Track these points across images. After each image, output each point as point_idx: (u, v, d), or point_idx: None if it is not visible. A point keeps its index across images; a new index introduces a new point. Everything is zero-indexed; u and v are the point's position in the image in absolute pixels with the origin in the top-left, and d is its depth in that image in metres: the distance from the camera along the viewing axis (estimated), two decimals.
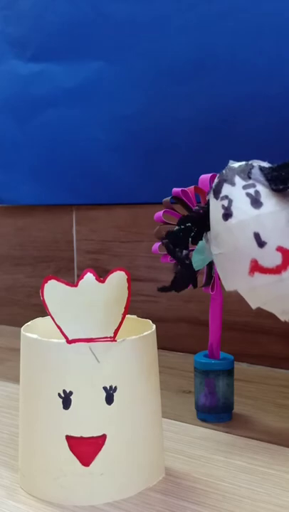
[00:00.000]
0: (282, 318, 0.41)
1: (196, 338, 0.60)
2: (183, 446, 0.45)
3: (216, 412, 0.50)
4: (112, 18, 0.72)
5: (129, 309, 0.37)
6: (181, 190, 0.48)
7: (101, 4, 0.73)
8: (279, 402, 0.54)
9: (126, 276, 0.37)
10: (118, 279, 0.37)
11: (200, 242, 0.44)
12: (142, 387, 0.38)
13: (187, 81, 0.67)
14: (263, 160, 0.41)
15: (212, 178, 0.47)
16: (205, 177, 0.48)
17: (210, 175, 0.47)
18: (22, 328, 0.40)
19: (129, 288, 0.37)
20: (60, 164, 0.80)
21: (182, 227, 0.42)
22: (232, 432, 0.48)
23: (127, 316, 0.37)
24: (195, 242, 0.43)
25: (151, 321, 0.41)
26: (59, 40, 0.77)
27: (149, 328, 0.40)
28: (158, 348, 0.41)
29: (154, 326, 0.40)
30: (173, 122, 0.69)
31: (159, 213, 0.49)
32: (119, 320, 0.37)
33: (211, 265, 0.49)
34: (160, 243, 0.47)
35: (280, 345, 0.65)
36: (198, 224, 0.42)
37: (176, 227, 0.43)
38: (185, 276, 0.42)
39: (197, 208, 0.43)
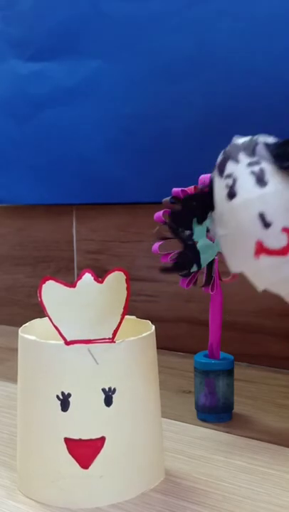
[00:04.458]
0: None
1: (196, 338, 0.60)
2: (183, 446, 0.45)
3: (216, 412, 0.50)
4: (111, 17, 0.72)
5: (128, 309, 0.37)
6: (181, 190, 0.48)
7: (99, 3, 0.73)
8: (279, 402, 0.54)
9: (125, 277, 0.37)
10: (117, 279, 0.37)
11: (200, 241, 0.44)
12: (141, 388, 0.38)
13: (186, 79, 0.67)
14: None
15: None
16: (205, 177, 0.48)
17: (210, 174, 0.47)
18: (20, 329, 0.39)
19: (128, 288, 0.37)
20: (60, 164, 0.80)
21: (186, 206, 0.41)
22: (232, 432, 0.48)
23: (126, 316, 0.37)
24: (200, 222, 0.41)
25: (150, 322, 0.41)
26: (58, 39, 0.77)
27: (149, 328, 0.40)
28: (158, 348, 0.41)
29: (153, 327, 0.40)
30: (172, 121, 0.69)
31: (159, 213, 0.49)
32: (118, 321, 0.37)
33: (211, 265, 0.49)
34: (160, 243, 0.47)
35: (280, 345, 0.65)
36: (202, 203, 0.40)
37: (180, 207, 0.41)
38: (188, 257, 0.41)
39: (201, 186, 0.42)
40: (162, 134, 0.70)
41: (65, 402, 0.36)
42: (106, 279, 0.37)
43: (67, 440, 0.36)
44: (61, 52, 0.77)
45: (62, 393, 0.36)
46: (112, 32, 0.72)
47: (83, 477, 0.36)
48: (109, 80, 0.73)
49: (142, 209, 0.74)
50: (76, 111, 0.77)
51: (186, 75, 0.67)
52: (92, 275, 0.37)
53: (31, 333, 0.38)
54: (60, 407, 0.36)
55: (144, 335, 0.38)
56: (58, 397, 0.36)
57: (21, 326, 0.40)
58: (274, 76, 0.61)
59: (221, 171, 0.38)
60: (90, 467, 0.36)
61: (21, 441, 0.39)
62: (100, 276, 0.38)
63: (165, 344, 0.68)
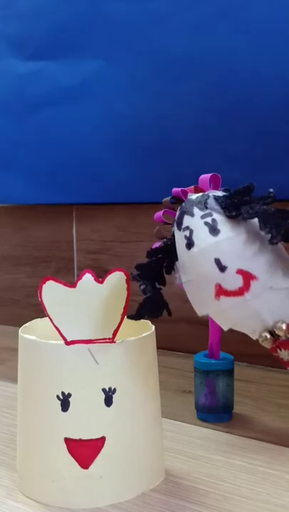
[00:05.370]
0: (254, 337, 0.42)
1: (196, 338, 0.60)
2: (183, 446, 0.45)
3: (216, 412, 0.50)
4: (111, 17, 0.72)
5: (128, 309, 0.37)
6: (181, 190, 0.48)
7: (100, 3, 0.73)
8: (279, 402, 0.54)
9: (125, 277, 0.37)
10: (117, 279, 0.37)
11: None
12: (141, 388, 0.38)
13: (187, 80, 0.67)
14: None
15: (212, 178, 0.47)
16: (205, 177, 0.48)
17: (210, 175, 0.47)
18: (20, 329, 0.39)
19: (128, 288, 0.37)
20: (59, 164, 0.80)
21: (154, 258, 0.44)
22: (232, 432, 0.48)
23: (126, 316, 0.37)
24: (168, 272, 0.45)
25: (150, 322, 0.41)
26: (57, 38, 0.77)
27: (149, 329, 0.40)
28: (158, 348, 0.41)
29: (153, 327, 0.40)
30: (173, 122, 0.69)
31: (159, 213, 0.49)
32: (118, 321, 0.37)
33: None
34: (160, 243, 0.47)
35: None
36: (168, 255, 0.44)
37: (147, 260, 0.44)
38: (152, 305, 0.43)
39: (165, 239, 0.45)
40: (162, 134, 0.70)
41: (65, 402, 0.36)
42: (106, 279, 0.37)
43: (67, 440, 0.36)
44: (61, 52, 0.77)
45: (63, 393, 0.36)
46: (112, 32, 0.72)
47: (83, 477, 0.36)
48: (109, 80, 0.73)
49: (142, 209, 0.74)
50: (76, 111, 0.77)
51: (186, 76, 0.67)
52: (92, 275, 0.37)
53: (31, 333, 0.38)
54: (60, 407, 0.36)
55: (144, 335, 0.38)
56: (58, 397, 0.36)
57: (21, 326, 0.40)
58: (274, 77, 0.61)
59: (179, 225, 0.43)
60: (90, 467, 0.36)
61: (21, 441, 0.39)
62: (100, 276, 0.38)
63: (165, 344, 0.68)
